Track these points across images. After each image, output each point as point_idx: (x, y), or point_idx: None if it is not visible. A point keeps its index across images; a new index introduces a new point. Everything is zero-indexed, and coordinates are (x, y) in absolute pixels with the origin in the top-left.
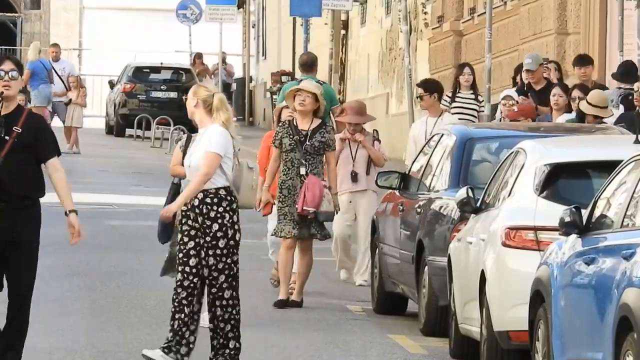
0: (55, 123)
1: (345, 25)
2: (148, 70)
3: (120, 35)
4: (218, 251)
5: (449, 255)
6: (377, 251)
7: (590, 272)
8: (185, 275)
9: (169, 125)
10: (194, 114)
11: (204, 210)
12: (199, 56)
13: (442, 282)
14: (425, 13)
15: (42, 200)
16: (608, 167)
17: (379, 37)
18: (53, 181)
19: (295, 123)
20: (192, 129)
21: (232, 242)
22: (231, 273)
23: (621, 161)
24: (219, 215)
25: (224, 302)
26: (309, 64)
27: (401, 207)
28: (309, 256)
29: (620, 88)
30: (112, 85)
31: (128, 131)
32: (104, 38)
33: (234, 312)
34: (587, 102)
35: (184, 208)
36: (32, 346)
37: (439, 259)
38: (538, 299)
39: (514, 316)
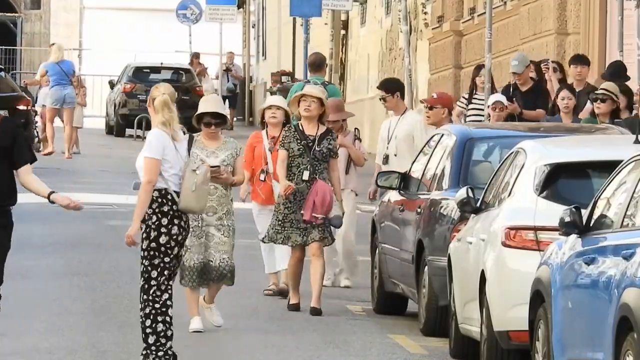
0: (57, 123)
1: (345, 25)
2: (148, 70)
3: (120, 35)
4: (141, 253)
5: (449, 255)
6: (377, 251)
7: (590, 272)
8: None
9: None
10: (151, 114)
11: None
12: (196, 56)
13: (442, 282)
14: (425, 13)
15: (42, 199)
16: (608, 167)
17: (379, 37)
18: (26, 183)
19: (301, 128)
20: (191, 128)
21: (152, 245)
22: (145, 276)
23: (621, 161)
24: (146, 217)
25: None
26: (317, 64)
27: (401, 207)
28: (321, 260)
29: None
30: (112, 85)
31: (128, 131)
32: (104, 38)
33: (142, 314)
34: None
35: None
36: (32, 346)
37: (439, 259)
38: (538, 299)
39: (514, 316)
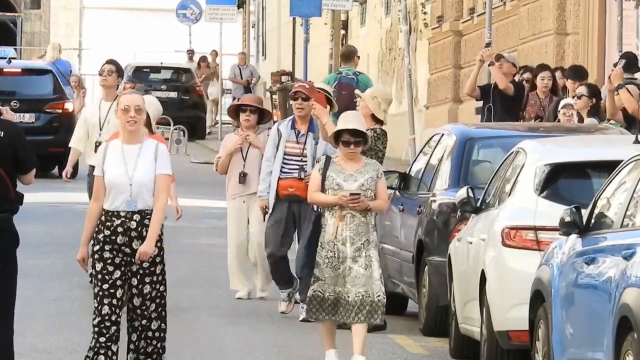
0: None
1: (345, 25)
2: (148, 70)
3: (120, 35)
4: (155, 278)
5: (449, 255)
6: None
7: (590, 272)
8: (113, 308)
9: (168, 125)
10: None
11: (144, 233)
12: (203, 59)
13: (442, 282)
14: (425, 13)
15: (43, 199)
16: (608, 167)
17: (378, 37)
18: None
19: None
20: (193, 129)
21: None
22: (162, 302)
23: (621, 161)
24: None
25: (150, 334)
26: (348, 55)
27: (401, 207)
28: None
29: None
30: None
31: None
32: (104, 38)
33: (159, 344)
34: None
35: (107, 232)
36: (32, 346)
37: (439, 259)
38: (538, 299)
39: (514, 316)
